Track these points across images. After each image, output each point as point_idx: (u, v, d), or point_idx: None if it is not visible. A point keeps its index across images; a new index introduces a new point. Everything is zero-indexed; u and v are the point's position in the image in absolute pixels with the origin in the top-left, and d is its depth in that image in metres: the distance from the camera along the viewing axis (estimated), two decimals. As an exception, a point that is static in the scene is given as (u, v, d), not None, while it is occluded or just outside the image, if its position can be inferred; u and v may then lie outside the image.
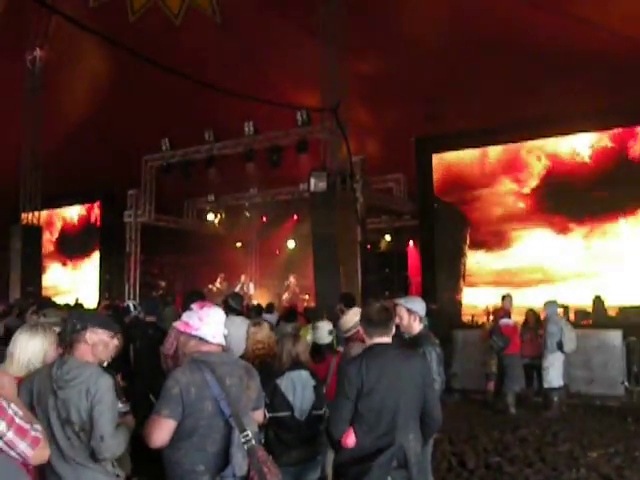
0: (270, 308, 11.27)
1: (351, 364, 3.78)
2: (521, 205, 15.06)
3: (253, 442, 3.35)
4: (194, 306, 3.68)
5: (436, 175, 15.99)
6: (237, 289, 19.06)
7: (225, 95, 12.70)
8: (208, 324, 3.54)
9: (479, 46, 13.88)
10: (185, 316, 3.62)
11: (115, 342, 3.71)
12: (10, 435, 2.86)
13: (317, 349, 5.61)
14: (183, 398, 3.29)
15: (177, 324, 3.65)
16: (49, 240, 22.20)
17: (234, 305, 6.91)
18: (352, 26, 13.70)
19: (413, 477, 3.61)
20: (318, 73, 13.74)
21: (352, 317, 5.30)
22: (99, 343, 3.51)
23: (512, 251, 15.01)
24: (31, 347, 3.71)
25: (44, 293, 19.77)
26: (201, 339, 3.52)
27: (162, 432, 3.29)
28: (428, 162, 16.02)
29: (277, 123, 15.74)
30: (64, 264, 22.67)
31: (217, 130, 16.95)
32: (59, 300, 16.71)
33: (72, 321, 3.55)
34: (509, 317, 10.61)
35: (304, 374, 4.59)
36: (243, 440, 3.30)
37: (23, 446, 2.90)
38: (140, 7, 17.25)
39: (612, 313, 13.29)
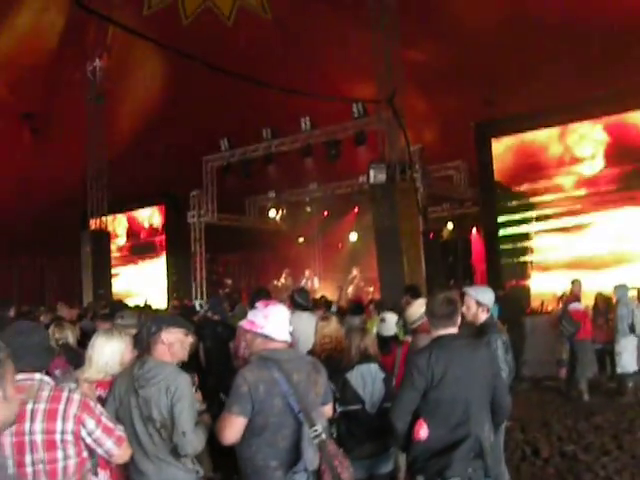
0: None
1: (420, 355, 3.77)
2: (592, 185, 14.59)
3: (323, 436, 3.38)
4: (259, 305, 3.74)
5: (497, 160, 15.72)
6: (302, 284, 19.17)
7: (280, 92, 12.79)
8: (273, 322, 3.58)
9: (535, 28, 13.63)
10: (250, 315, 3.69)
11: (190, 339, 3.82)
12: (98, 433, 3.02)
13: (382, 341, 5.61)
14: (252, 396, 3.35)
15: (243, 323, 3.70)
16: (117, 244, 22.73)
17: (301, 301, 6.95)
18: (403, 14, 13.59)
19: (489, 466, 3.60)
20: (372, 64, 13.67)
21: (417, 309, 5.29)
22: (175, 342, 3.63)
23: (584, 233, 14.57)
24: (108, 350, 3.86)
25: (117, 296, 20.30)
26: (267, 337, 3.57)
27: (233, 430, 3.37)
28: (488, 147, 15.78)
29: (333, 117, 15.76)
30: (133, 267, 23.19)
31: (274, 127, 17.09)
32: (130, 302, 17.14)
33: (147, 324, 3.73)
34: (579, 302, 10.39)
35: (373, 367, 4.61)
36: (313, 435, 3.33)
37: (109, 444, 3.06)
38: (193, 11, 17.50)
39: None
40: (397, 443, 4.00)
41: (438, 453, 3.58)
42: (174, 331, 3.64)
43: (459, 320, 3.86)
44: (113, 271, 20.65)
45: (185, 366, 3.86)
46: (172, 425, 3.41)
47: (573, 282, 10.91)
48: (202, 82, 15.36)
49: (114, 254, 21.59)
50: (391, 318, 5.72)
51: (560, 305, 11.26)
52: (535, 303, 14.10)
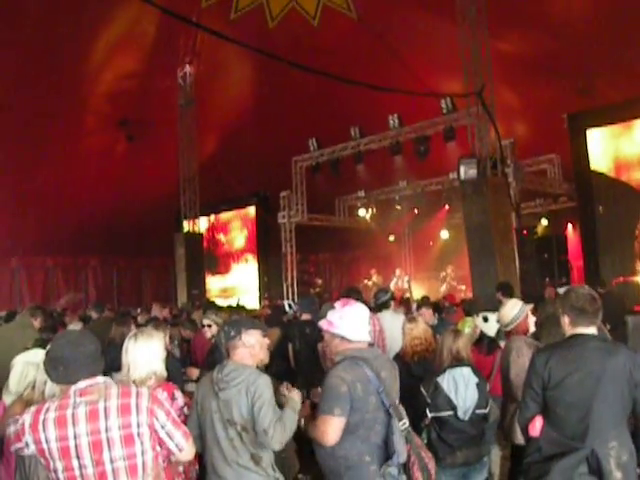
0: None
1: (540, 354, 3.57)
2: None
3: (410, 429, 3.50)
4: (337, 304, 3.75)
5: (594, 151, 15.10)
6: (392, 283, 19.06)
7: (368, 90, 12.70)
8: (348, 323, 3.60)
9: (632, 11, 13.00)
10: (329, 314, 3.69)
11: (267, 340, 3.78)
12: (169, 425, 3.03)
13: (483, 341, 5.49)
14: (351, 395, 3.38)
15: (321, 322, 3.72)
16: (211, 245, 23.15)
17: (380, 301, 6.92)
18: (490, 5, 13.24)
19: None
20: (460, 58, 13.40)
21: (511, 310, 5.08)
22: (255, 344, 3.63)
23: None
24: (140, 353, 3.75)
25: (216, 295, 20.82)
26: (343, 338, 3.59)
27: (336, 431, 3.37)
28: (583, 139, 15.20)
29: (422, 113, 15.56)
30: (226, 267, 23.60)
31: (363, 126, 17.04)
32: (223, 303, 17.45)
33: (225, 329, 3.69)
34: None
35: (466, 371, 4.43)
36: (402, 428, 3.43)
37: (178, 436, 3.08)
38: (279, 13, 17.62)
39: None
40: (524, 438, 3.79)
41: (547, 458, 3.38)
42: (253, 333, 3.64)
43: (600, 320, 3.58)
44: (223, 270, 21.08)
45: (271, 366, 3.85)
46: (253, 427, 3.40)
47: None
48: (290, 83, 15.48)
49: (214, 255, 22.09)
50: (493, 317, 5.54)
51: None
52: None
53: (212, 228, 23.24)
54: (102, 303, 10.91)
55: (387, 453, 3.44)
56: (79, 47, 16.09)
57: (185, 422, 3.63)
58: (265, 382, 3.48)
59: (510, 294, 8.13)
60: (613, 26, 13.46)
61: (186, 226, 19.84)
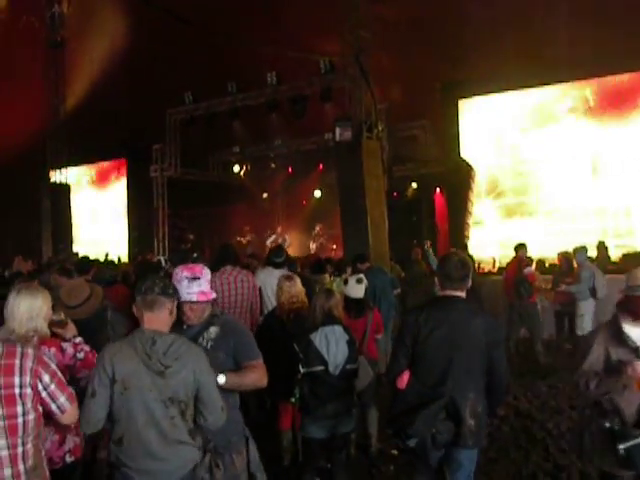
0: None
1: (412, 312, 3.83)
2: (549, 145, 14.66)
3: None
4: (198, 272, 3.46)
5: (464, 120, 15.70)
6: (269, 241, 19.16)
7: (247, 46, 12.57)
8: (210, 285, 3.56)
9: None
10: (195, 286, 3.41)
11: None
12: (53, 387, 2.99)
13: (352, 304, 5.63)
14: None
15: (199, 298, 3.43)
16: (78, 197, 22.32)
17: (276, 260, 6.95)
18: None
19: (463, 433, 3.55)
20: (341, 20, 13.47)
21: None
22: (174, 308, 3.29)
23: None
24: (22, 308, 3.49)
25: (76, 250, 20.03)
26: (215, 301, 3.66)
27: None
28: (454, 108, 15.75)
29: (300, 73, 15.58)
30: (94, 220, 22.87)
31: (240, 82, 16.83)
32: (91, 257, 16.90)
33: (159, 283, 3.22)
34: (529, 266, 10.38)
35: (337, 329, 4.62)
36: None
37: (63, 399, 3.03)
38: (158, -42, 16.98)
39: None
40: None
41: (412, 409, 3.61)
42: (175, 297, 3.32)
43: (469, 284, 3.79)
44: (76, 225, 20.30)
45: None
46: (199, 404, 3.19)
47: (518, 247, 10.76)
48: (167, 33, 15.01)
49: (76, 207, 21.22)
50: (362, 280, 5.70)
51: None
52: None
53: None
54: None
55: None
56: None
57: (81, 367, 3.62)
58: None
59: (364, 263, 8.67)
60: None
61: (52, 176, 18.94)
